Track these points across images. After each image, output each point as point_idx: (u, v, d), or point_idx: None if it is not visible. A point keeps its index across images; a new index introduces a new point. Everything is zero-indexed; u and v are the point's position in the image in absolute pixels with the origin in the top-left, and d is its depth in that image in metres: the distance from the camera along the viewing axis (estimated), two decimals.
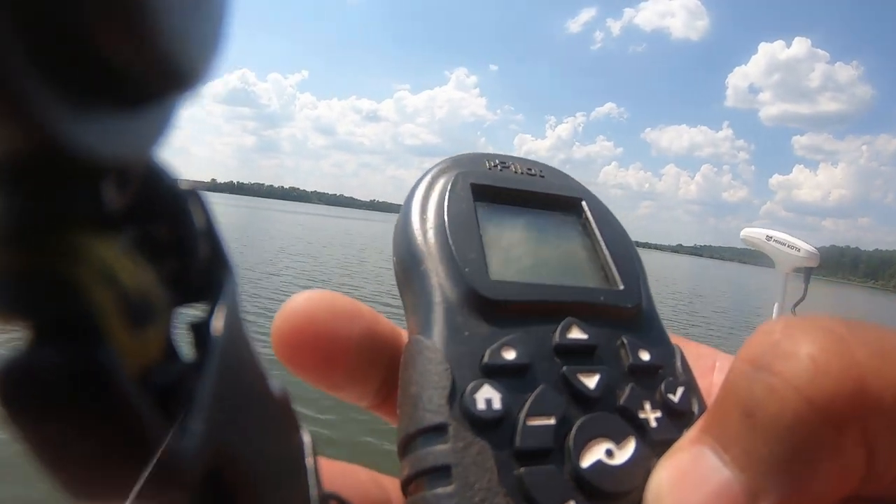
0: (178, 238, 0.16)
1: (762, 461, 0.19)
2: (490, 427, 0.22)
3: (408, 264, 0.28)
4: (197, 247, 0.16)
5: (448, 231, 0.28)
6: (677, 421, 0.25)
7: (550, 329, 0.26)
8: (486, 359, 0.24)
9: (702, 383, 0.28)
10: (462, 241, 0.27)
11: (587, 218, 0.32)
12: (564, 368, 0.25)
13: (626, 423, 0.24)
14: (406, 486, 0.23)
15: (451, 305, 0.26)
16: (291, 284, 9.62)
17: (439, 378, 0.23)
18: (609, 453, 0.23)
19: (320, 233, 31.84)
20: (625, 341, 0.27)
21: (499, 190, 0.31)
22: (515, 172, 0.33)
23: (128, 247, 0.14)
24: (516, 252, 0.30)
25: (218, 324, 0.16)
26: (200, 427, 0.14)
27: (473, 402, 0.22)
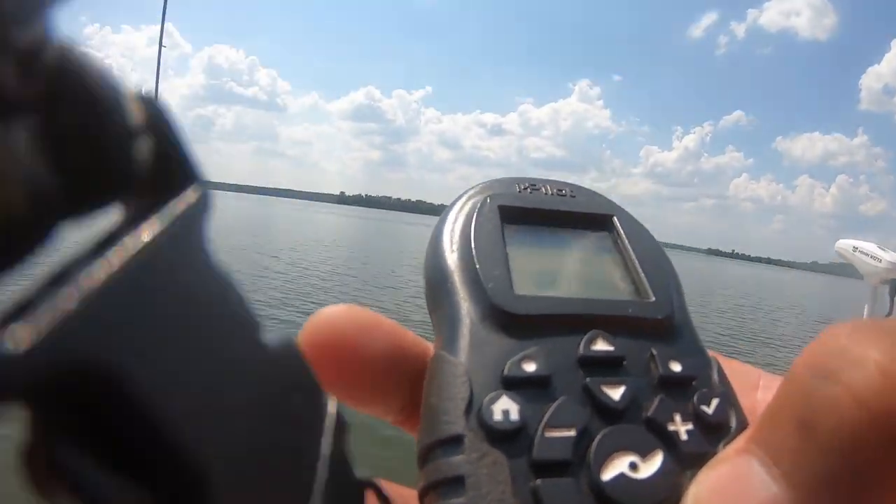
0: (89, 126, 0.14)
1: (816, 478, 0.17)
2: (507, 438, 0.22)
3: (435, 283, 0.28)
4: (119, 141, 0.14)
5: (474, 250, 0.28)
6: (711, 434, 0.24)
7: (575, 341, 0.25)
8: (506, 371, 0.24)
9: (743, 402, 0.26)
10: (487, 260, 0.28)
11: (618, 233, 0.32)
12: (588, 380, 0.24)
13: (652, 436, 0.23)
14: (422, 497, 0.23)
15: (474, 321, 0.26)
16: (415, 298, 9.09)
17: (458, 390, 0.23)
18: (633, 466, 0.22)
19: None
20: (654, 353, 0.26)
21: (526, 210, 0.32)
22: (545, 194, 0.33)
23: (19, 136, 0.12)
24: (542, 268, 0.31)
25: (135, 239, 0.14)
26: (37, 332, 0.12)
27: (490, 413, 0.22)
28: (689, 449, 0.23)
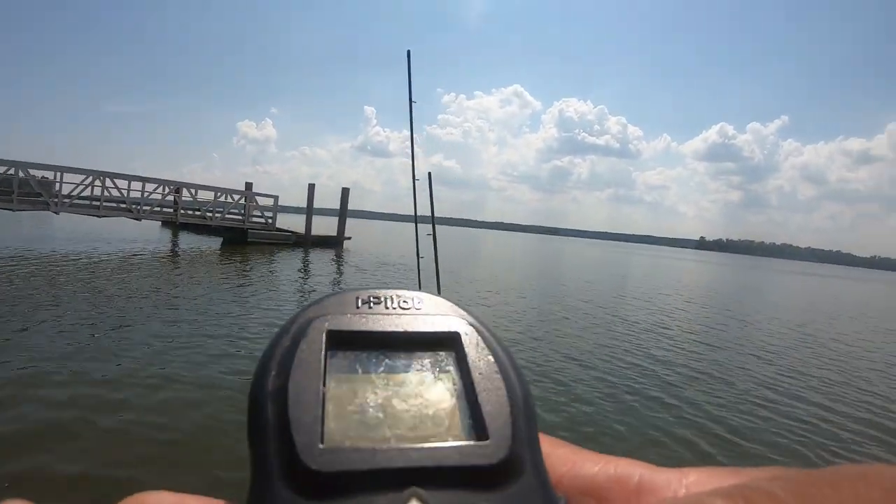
0: None
1: None
2: None
3: (249, 430, 0.25)
4: None
5: (289, 392, 0.25)
6: None
7: (393, 496, 0.23)
8: None
9: None
10: (301, 403, 0.25)
11: (461, 356, 0.28)
12: None
13: None
14: None
15: (280, 478, 0.23)
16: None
17: None
18: None
19: (808, 297, 31.05)
20: None
21: (356, 335, 0.28)
22: (386, 308, 0.30)
23: None
24: (363, 408, 0.26)
25: None
26: None
27: None
28: None
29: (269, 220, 25.97)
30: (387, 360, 0.28)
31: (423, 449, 0.24)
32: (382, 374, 0.28)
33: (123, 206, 21.35)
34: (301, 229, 25.93)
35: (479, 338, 0.29)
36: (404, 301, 0.30)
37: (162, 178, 28.81)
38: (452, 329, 0.29)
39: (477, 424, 0.26)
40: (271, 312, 9.86)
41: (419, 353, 0.29)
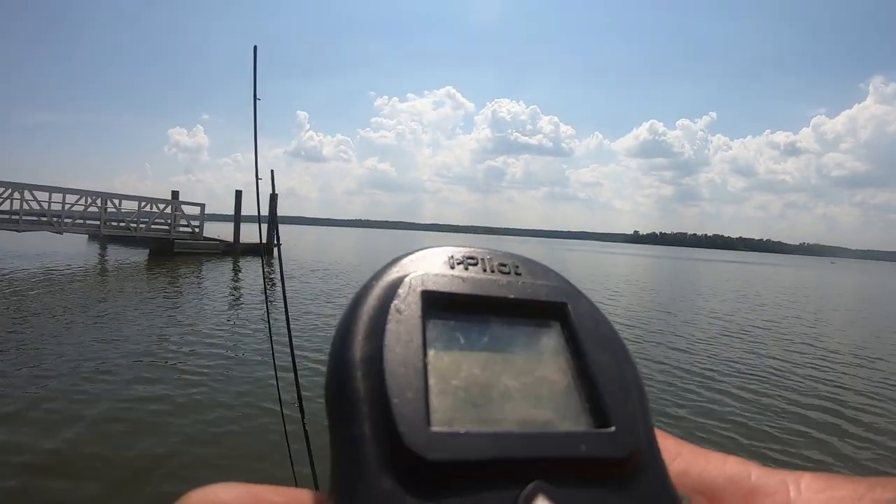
0: None
1: None
2: None
3: (334, 405, 0.22)
4: None
5: (385, 361, 0.21)
6: None
7: (509, 498, 0.19)
8: None
9: None
10: (401, 377, 0.21)
11: (570, 328, 0.25)
12: None
13: None
14: None
15: (378, 465, 0.20)
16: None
17: None
18: None
19: (747, 284, 31.26)
20: None
21: (456, 299, 0.25)
22: (484, 271, 0.26)
23: None
24: (469, 385, 0.23)
25: None
26: None
27: None
28: None
29: (196, 230, 25.85)
30: (491, 330, 0.25)
31: (544, 436, 0.22)
32: (487, 345, 0.24)
33: (45, 219, 20.89)
34: (231, 238, 25.88)
35: (587, 309, 0.27)
36: (502, 264, 0.27)
37: (92, 189, 27.97)
38: (560, 298, 0.26)
39: (597, 409, 0.23)
40: (199, 325, 10.00)
41: (525, 323, 0.26)
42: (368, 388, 0.21)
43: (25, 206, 20.25)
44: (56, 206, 21.11)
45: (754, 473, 0.25)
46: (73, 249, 24.08)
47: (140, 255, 23.02)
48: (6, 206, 19.97)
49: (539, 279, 0.27)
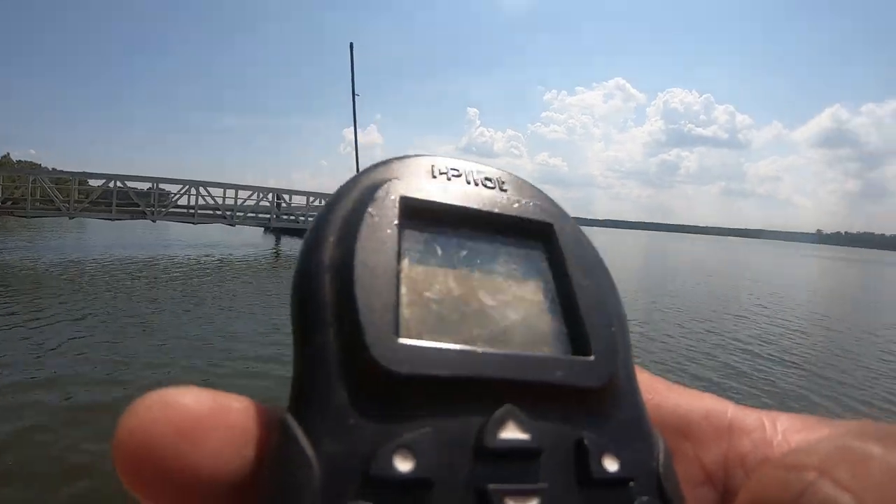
0: None
1: None
2: None
3: (299, 311, 0.20)
4: None
5: (355, 267, 0.20)
6: None
7: (477, 422, 0.19)
8: (371, 469, 0.17)
9: (714, 452, 0.23)
10: (371, 284, 0.20)
11: (555, 251, 0.24)
12: (489, 488, 0.18)
13: None
14: None
15: (340, 376, 0.19)
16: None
17: (300, 493, 0.17)
18: None
19: None
20: (585, 442, 0.20)
21: (437, 208, 0.23)
22: (468, 183, 0.25)
23: None
24: (443, 299, 0.22)
25: None
26: None
27: None
28: None
29: None
30: (470, 244, 0.24)
31: (519, 358, 0.20)
32: (465, 260, 0.23)
33: (219, 212, 21.64)
34: None
35: (573, 233, 0.25)
36: (487, 178, 0.25)
37: (269, 185, 29.40)
38: (545, 218, 0.25)
39: (577, 336, 0.22)
40: None
41: (507, 241, 0.24)
42: (335, 294, 0.20)
43: (201, 202, 21.09)
44: (230, 201, 21.75)
45: (731, 410, 0.24)
46: (255, 240, 25.27)
47: None
48: (183, 201, 21.06)
49: (525, 197, 0.26)
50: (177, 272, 13.91)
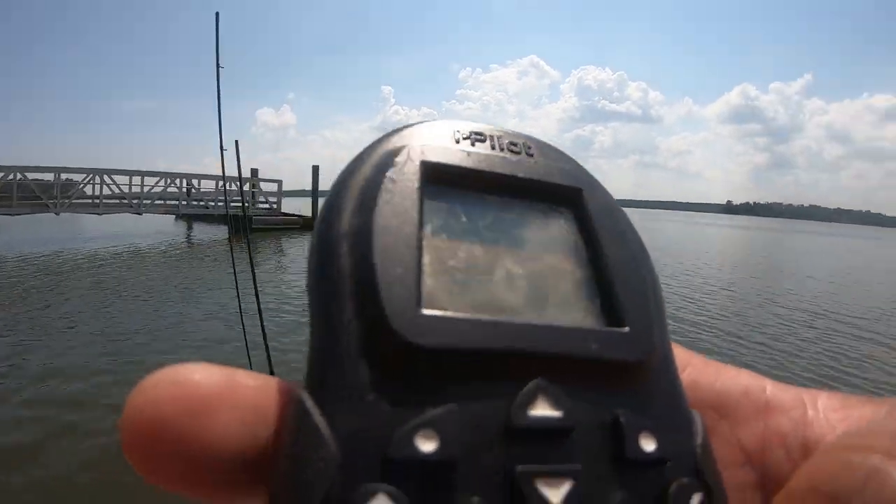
0: None
1: None
2: None
3: (315, 282, 0.19)
4: None
5: (374, 235, 0.19)
6: None
7: (505, 398, 0.18)
8: (391, 450, 0.16)
9: (752, 431, 0.22)
10: (391, 253, 0.19)
11: (585, 217, 0.23)
12: (518, 469, 0.17)
13: None
14: None
15: (358, 350, 0.17)
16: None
17: (315, 474, 0.16)
18: None
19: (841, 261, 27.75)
20: (621, 420, 0.18)
21: (460, 172, 0.22)
22: (493, 148, 0.23)
23: None
24: (468, 267, 0.21)
25: None
26: None
27: None
28: None
29: (274, 206, 25.51)
30: (496, 210, 0.23)
31: (550, 329, 0.19)
32: (491, 226, 0.22)
33: (125, 201, 20.99)
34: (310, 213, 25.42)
35: (605, 199, 0.24)
36: (513, 143, 0.24)
37: (179, 171, 28.84)
38: (574, 184, 0.24)
39: (611, 307, 0.21)
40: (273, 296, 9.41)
41: (535, 206, 0.23)
42: (354, 263, 0.19)
43: (107, 191, 20.42)
44: (136, 189, 21.17)
45: (769, 388, 0.24)
46: (159, 228, 24.30)
47: (221, 233, 22.97)
48: (88, 190, 20.29)
49: (553, 162, 0.24)
50: (85, 265, 13.30)
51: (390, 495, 0.15)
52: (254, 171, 26.34)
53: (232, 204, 24.07)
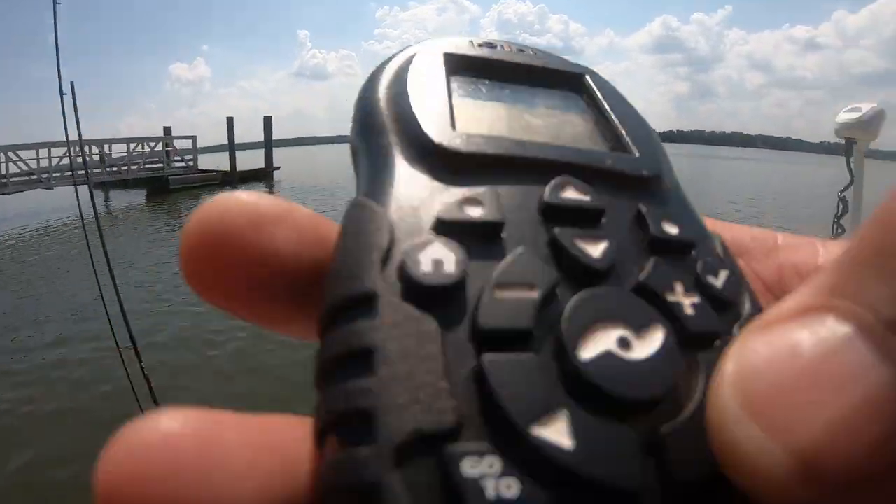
0: None
1: None
2: (438, 298, 0.16)
3: (360, 130, 0.22)
4: None
5: (409, 92, 0.22)
6: (722, 312, 0.18)
7: (537, 187, 0.19)
8: (440, 213, 0.18)
9: (764, 266, 0.23)
10: (425, 99, 0.22)
11: (590, 93, 0.27)
12: (556, 230, 0.18)
13: (648, 306, 0.17)
14: (318, 380, 0.16)
15: (404, 161, 0.20)
16: None
17: (374, 238, 0.17)
18: (624, 343, 0.16)
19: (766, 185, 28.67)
20: (643, 210, 0.20)
21: (478, 61, 0.26)
22: (503, 49, 0.28)
23: None
24: (495, 118, 0.24)
25: None
26: None
27: (415, 262, 0.16)
28: (697, 326, 0.17)
29: (190, 163, 25.25)
30: (514, 86, 0.26)
31: (571, 148, 0.22)
32: (511, 96, 0.26)
33: (34, 177, 20.37)
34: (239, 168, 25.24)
35: (606, 83, 0.27)
36: (520, 49, 0.28)
37: (98, 137, 27.42)
38: (578, 70, 0.28)
39: (620, 143, 0.23)
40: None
41: (546, 84, 0.27)
42: (393, 108, 0.22)
43: (14, 168, 19.76)
44: (45, 163, 20.63)
45: (780, 236, 0.25)
46: (69, 202, 23.52)
47: (138, 197, 22.75)
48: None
49: (557, 59, 0.28)
50: None
51: (444, 243, 0.16)
52: (166, 130, 25.94)
53: (147, 165, 24.05)
